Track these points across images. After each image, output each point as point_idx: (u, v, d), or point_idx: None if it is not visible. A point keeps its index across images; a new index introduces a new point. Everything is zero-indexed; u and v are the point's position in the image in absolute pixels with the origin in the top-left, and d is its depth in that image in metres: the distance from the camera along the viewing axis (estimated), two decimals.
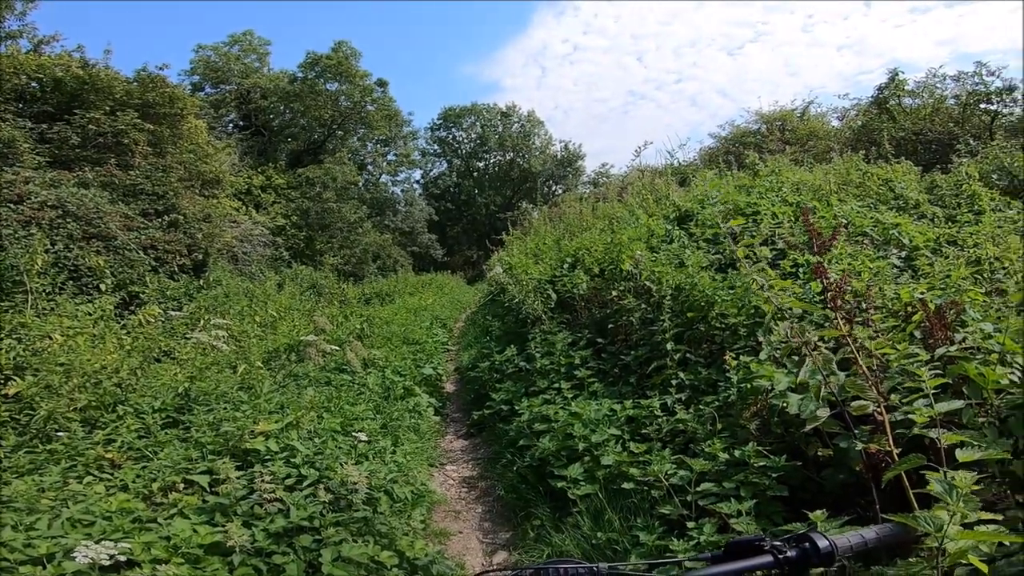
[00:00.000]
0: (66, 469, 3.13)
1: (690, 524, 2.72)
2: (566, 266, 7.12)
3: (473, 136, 40.07)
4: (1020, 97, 13.20)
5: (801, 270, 4.30)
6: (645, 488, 3.14)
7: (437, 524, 4.04)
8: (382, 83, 26.74)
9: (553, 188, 37.70)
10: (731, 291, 4.14)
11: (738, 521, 2.55)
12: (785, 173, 7.57)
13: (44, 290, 6.27)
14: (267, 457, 3.45)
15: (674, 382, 3.97)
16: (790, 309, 2.82)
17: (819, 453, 2.56)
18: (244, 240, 14.30)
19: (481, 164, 40.24)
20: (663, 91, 67.90)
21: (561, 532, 3.41)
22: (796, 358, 2.50)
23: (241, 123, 24.32)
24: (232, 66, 24.24)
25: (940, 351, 2.33)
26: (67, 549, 2.19)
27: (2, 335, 4.68)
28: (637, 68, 70.65)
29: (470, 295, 19.40)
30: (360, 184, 26.84)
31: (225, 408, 4.20)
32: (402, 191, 33.96)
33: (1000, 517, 1.45)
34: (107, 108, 11.31)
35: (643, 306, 4.92)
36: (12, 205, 8.05)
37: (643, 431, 3.74)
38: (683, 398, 3.84)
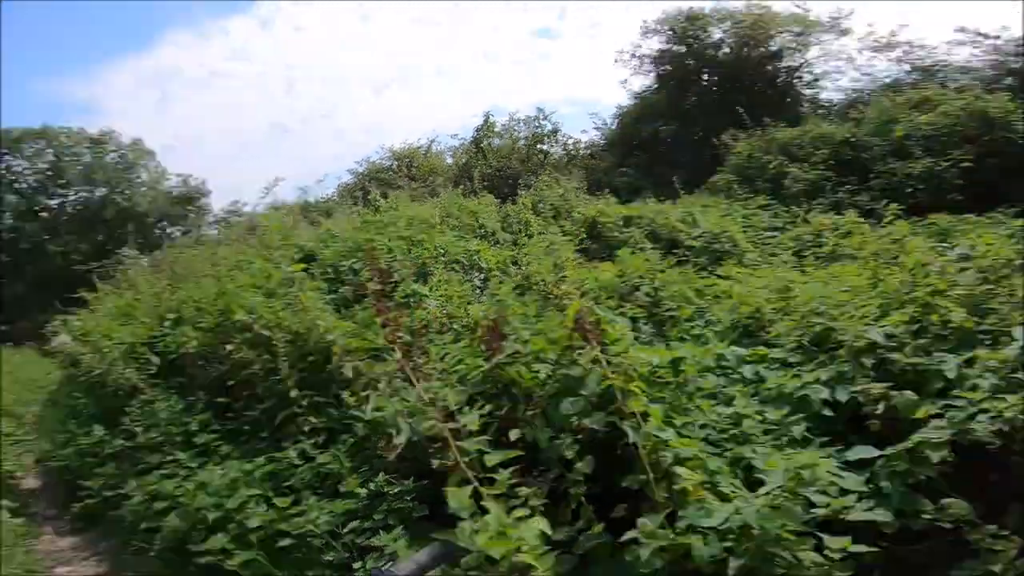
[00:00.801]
0: None
1: (356, 565, 2.76)
2: (168, 323, 6.12)
3: (42, 167, 31.00)
4: (561, 138, 17.51)
5: (411, 300, 4.70)
6: (308, 539, 3.08)
7: None
8: None
9: (169, 230, 32.25)
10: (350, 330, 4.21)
11: (396, 548, 2.64)
12: (403, 208, 8.24)
13: None
14: None
15: (306, 428, 3.93)
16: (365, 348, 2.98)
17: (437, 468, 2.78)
18: None
19: (55, 202, 31.36)
20: (308, 125, 65.60)
21: None
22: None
23: None
24: None
25: (496, 359, 2.81)
26: None
27: None
28: (284, 100, 66.31)
29: (49, 368, 14.84)
30: None
31: None
32: None
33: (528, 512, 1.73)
34: None
35: (263, 356, 4.61)
36: None
37: (287, 483, 3.64)
38: (320, 441, 3.84)
